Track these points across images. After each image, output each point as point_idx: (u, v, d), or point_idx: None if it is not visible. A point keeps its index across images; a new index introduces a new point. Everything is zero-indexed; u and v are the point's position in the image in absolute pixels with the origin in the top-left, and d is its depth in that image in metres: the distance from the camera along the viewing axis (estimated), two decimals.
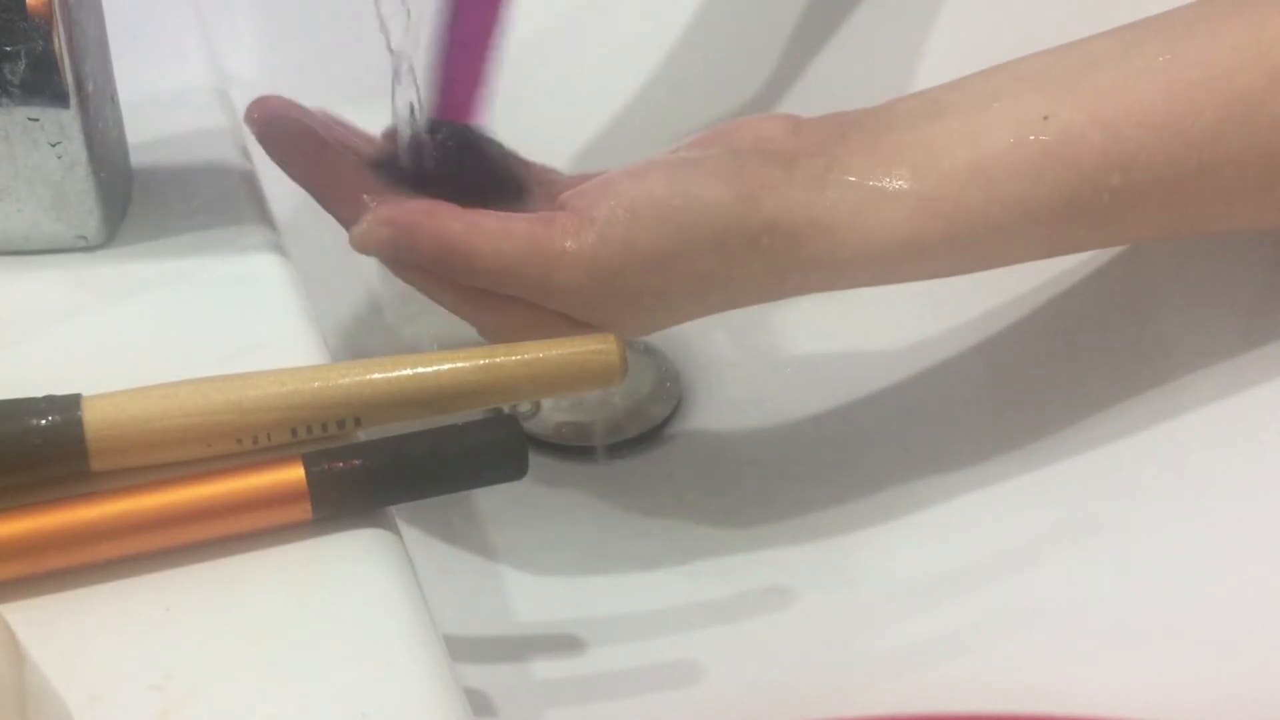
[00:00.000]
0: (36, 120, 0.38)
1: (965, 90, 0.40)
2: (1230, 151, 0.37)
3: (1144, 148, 0.37)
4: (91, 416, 0.31)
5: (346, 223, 0.41)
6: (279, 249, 0.41)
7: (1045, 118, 0.38)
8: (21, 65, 0.37)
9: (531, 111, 0.54)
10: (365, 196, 0.41)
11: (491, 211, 0.40)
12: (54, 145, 0.38)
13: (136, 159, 0.43)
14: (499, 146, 0.44)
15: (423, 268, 0.40)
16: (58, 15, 0.36)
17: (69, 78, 0.37)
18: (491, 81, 0.43)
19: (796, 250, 0.39)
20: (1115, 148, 0.37)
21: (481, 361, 0.33)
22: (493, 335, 0.41)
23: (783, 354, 0.54)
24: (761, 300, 0.41)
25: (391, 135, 0.43)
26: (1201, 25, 0.38)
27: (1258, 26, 0.37)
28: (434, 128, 0.43)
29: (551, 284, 0.39)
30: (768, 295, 0.41)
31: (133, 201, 0.42)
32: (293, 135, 0.42)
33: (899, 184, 0.38)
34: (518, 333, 0.40)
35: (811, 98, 0.56)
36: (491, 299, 0.40)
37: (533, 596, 0.45)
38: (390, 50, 0.41)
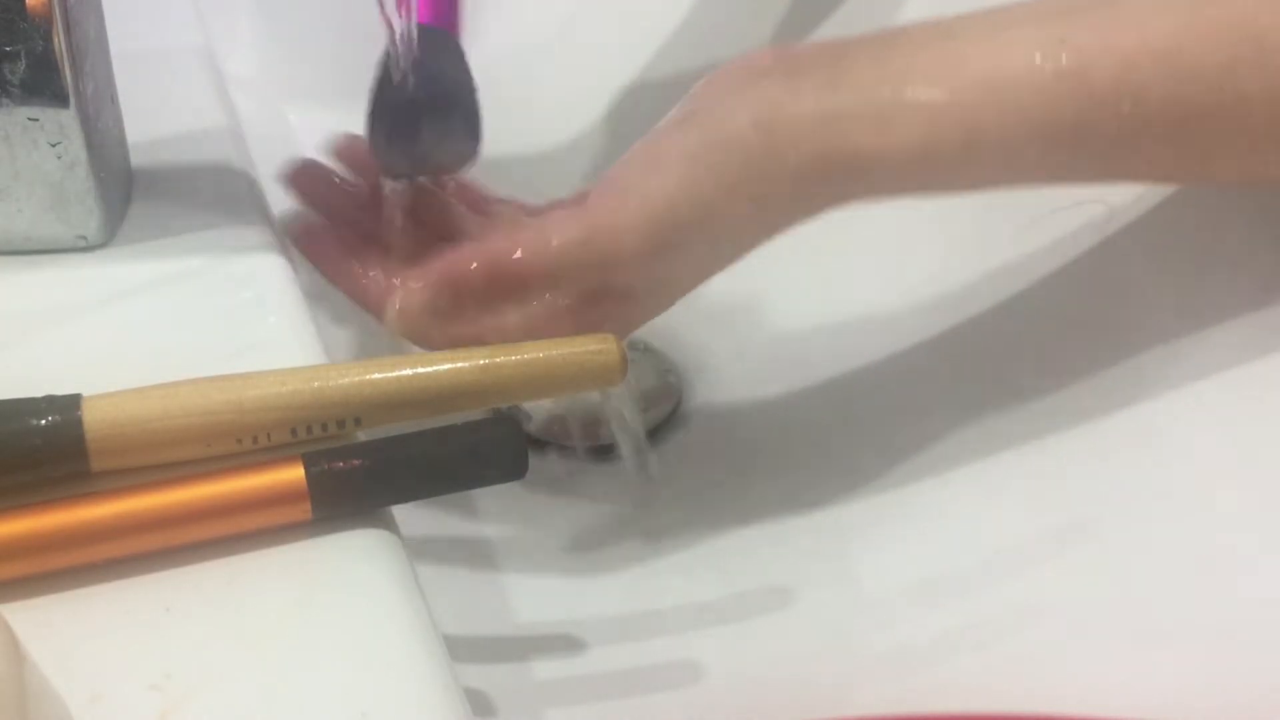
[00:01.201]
0: (36, 120, 0.38)
1: (978, 18, 0.41)
2: (1240, 91, 0.38)
3: (1155, 78, 0.38)
4: (91, 416, 0.31)
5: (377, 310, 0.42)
6: (279, 249, 0.41)
7: (1062, 40, 0.38)
8: (21, 65, 0.37)
9: (526, 111, 0.54)
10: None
11: (511, 225, 0.40)
12: (54, 145, 0.38)
13: (136, 159, 0.43)
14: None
15: (476, 309, 0.40)
16: (58, 15, 0.36)
17: (69, 78, 0.37)
18: None
19: (820, 160, 0.39)
20: (1127, 76, 0.38)
21: (481, 361, 0.33)
22: None
23: (783, 354, 0.54)
24: (793, 221, 0.41)
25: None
26: None
27: None
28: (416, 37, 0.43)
29: (619, 253, 0.39)
30: (799, 213, 0.41)
31: (133, 201, 0.42)
32: (322, 240, 0.44)
33: (914, 90, 0.39)
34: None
35: None
36: (546, 316, 0.40)
37: (533, 596, 0.45)
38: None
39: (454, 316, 0.40)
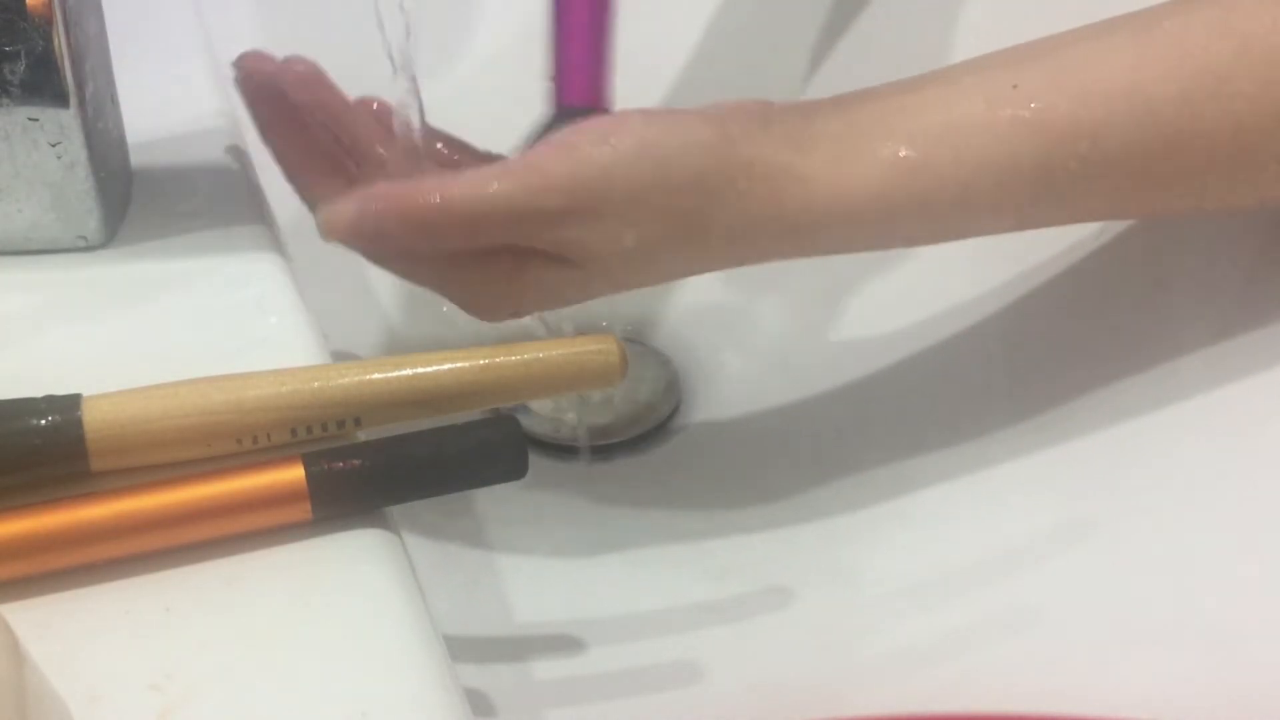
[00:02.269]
0: (36, 120, 0.38)
1: (936, 73, 0.41)
2: (1197, 124, 0.38)
3: (1112, 115, 0.38)
4: (91, 416, 0.31)
5: (310, 201, 0.41)
6: (279, 249, 0.41)
7: (1015, 86, 0.38)
8: (21, 65, 0.37)
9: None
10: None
11: (444, 170, 0.39)
12: (54, 145, 0.38)
13: (136, 159, 0.43)
14: None
15: (398, 243, 0.39)
16: (58, 15, 0.37)
17: (69, 78, 0.37)
18: (612, 63, 0.43)
19: (771, 199, 0.38)
20: (1083, 115, 0.38)
21: (481, 361, 0.33)
22: (478, 302, 0.40)
23: (783, 354, 0.54)
24: (739, 259, 0.41)
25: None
26: (1174, 9, 0.39)
27: (1228, 6, 0.38)
28: (561, 115, 0.43)
29: (536, 208, 0.37)
30: (745, 251, 0.40)
31: (133, 201, 0.42)
32: (275, 104, 0.43)
33: (871, 140, 0.39)
34: (503, 294, 0.40)
35: None
36: (473, 260, 0.39)
37: (533, 596, 0.45)
38: (390, 58, 0.41)
39: (377, 242, 0.39)
